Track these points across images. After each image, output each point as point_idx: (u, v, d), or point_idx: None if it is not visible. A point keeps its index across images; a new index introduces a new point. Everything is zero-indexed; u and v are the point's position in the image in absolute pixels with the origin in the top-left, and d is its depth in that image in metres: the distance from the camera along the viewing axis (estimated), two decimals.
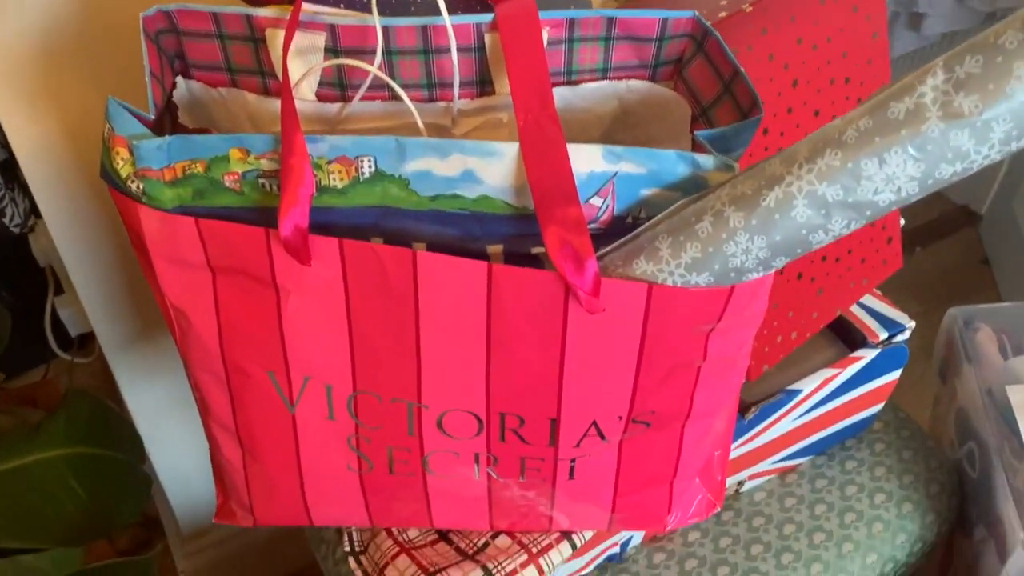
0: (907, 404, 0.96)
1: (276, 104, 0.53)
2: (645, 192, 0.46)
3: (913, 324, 0.81)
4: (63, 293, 1.15)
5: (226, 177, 0.47)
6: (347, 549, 0.63)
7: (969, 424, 0.88)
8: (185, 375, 0.57)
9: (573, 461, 0.55)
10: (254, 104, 0.53)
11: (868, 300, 0.82)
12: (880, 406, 0.88)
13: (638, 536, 0.79)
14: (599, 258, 0.46)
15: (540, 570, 0.61)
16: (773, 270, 0.44)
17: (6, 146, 0.83)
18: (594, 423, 0.52)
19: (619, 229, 0.47)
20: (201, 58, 0.53)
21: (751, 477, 0.84)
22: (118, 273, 0.81)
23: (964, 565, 0.91)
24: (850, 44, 0.65)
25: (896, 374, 0.84)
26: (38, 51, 0.65)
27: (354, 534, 0.64)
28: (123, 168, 0.47)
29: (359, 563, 0.63)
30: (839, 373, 0.78)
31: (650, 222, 0.45)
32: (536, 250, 0.49)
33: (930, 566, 1.03)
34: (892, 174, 0.39)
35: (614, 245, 0.46)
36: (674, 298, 0.45)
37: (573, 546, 0.63)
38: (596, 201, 0.47)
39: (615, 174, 0.46)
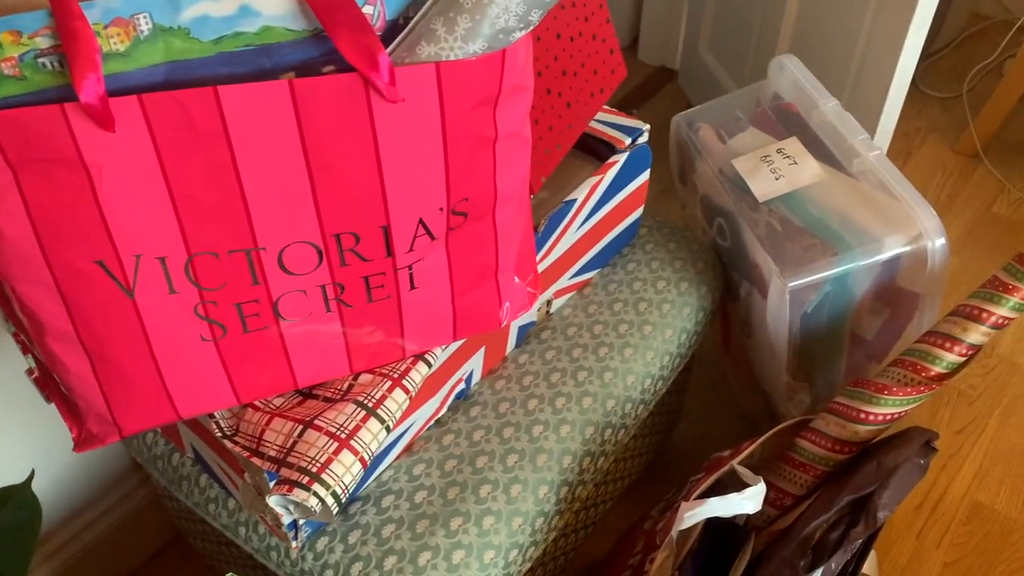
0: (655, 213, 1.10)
1: None
2: None
3: (648, 126, 0.93)
4: None
5: (3, 64, 0.47)
6: (219, 435, 0.65)
7: (712, 204, 1.03)
8: None
9: (411, 268, 0.60)
10: None
11: (606, 117, 0.94)
12: (640, 210, 1.01)
13: (478, 371, 0.86)
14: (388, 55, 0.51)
15: (405, 390, 0.67)
16: (532, 26, 0.52)
17: None
18: (420, 221, 0.57)
19: (393, 32, 0.53)
20: None
21: (556, 295, 0.93)
22: None
23: (739, 323, 1.07)
24: None
25: (646, 173, 0.97)
26: None
27: (221, 422, 0.66)
28: None
29: (235, 443, 0.65)
30: (602, 178, 0.89)
31: (421, 11, 0.51)
32: (327, 69, 0.53)
33: (713, 332, 1.20)
34: None
35: (396, 41, 0.52)
36: (460, 70, 0.51)
37: (428, 364, 0.69)
38: (367, 9, 0.52)
39: None
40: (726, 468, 0.81)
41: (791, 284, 0.87)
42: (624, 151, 0.91)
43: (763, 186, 0.95)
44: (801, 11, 1.42)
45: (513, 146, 0.59)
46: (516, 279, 0.70)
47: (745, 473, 0.79)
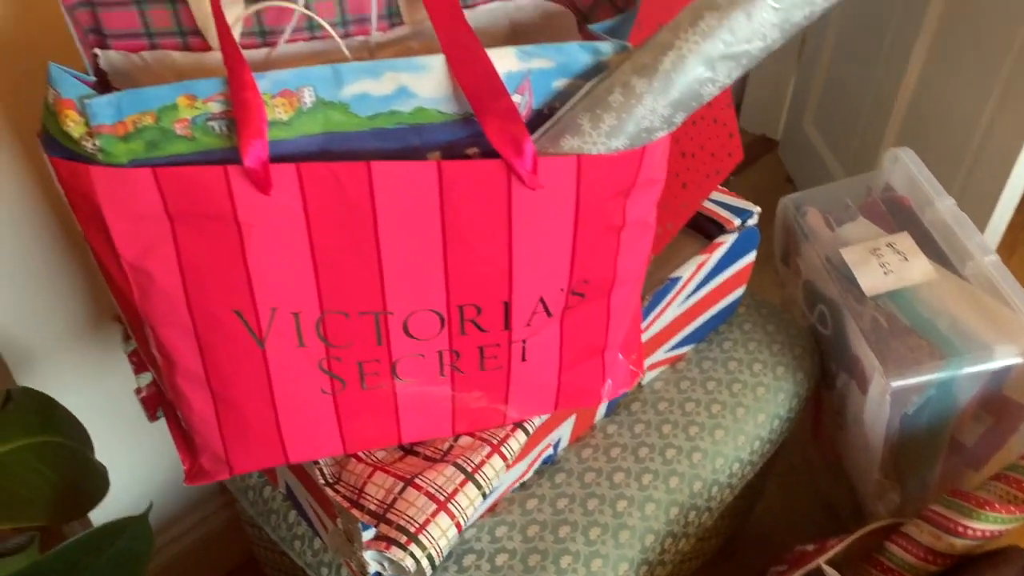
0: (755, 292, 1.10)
1: (203, 58, 0.56)
2: (557, 84, 0.54)
3: (759, 209, 0.94)
4: None
5: (176, 125, 0.51)
6: (321, 482, 0.67)
7: (816, 290, 1.03)
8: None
9: (525, 342, 0.62)
10: (181, 61, 0.56)
11: (717, 196, 0.95)
12: (743, 289, 1.00)
13: (565, 438, 0.87)
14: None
15: (503, 457, 0.68)
16: (674, 127, 0.53)
17: None
18: (541, 299, 0.59)
19: (539, 121, 0.55)
20: (119, 27, 0.56)
21: (649, 368, 0.94)
22: (19, 291, 0.80)
23: (833, 413, 1.05)
24: None
25: (752, 255, 0.96)
26: None
27: (324, 468, 0.68)
28: (75, 129, 0.49)
29: (336, 491, 0.66)
30: (708, 258, 0.90)
31: (567, 105, 0.53)
32: (471, 151, 0.55)
33: (804, 419, 1.18)
34: (759, 25, 0.48)
35: (540, 130, 0.54)
36: (599, 164, 0.53)
37: (527, 432, 0.70)
38: (516, 98, 0.54)
39: (529, 71, 0.53)
40: (812, 566, 0.80)
41: (894, 384, 0.85)
42: (733, 232, 0.91)
43: (871, 280, 0.94)
44: (915, 98, 1.41)
45: (638, 233, 0.60)
46: (621, 356, 0.71)
47: (832, 574, 0.78)
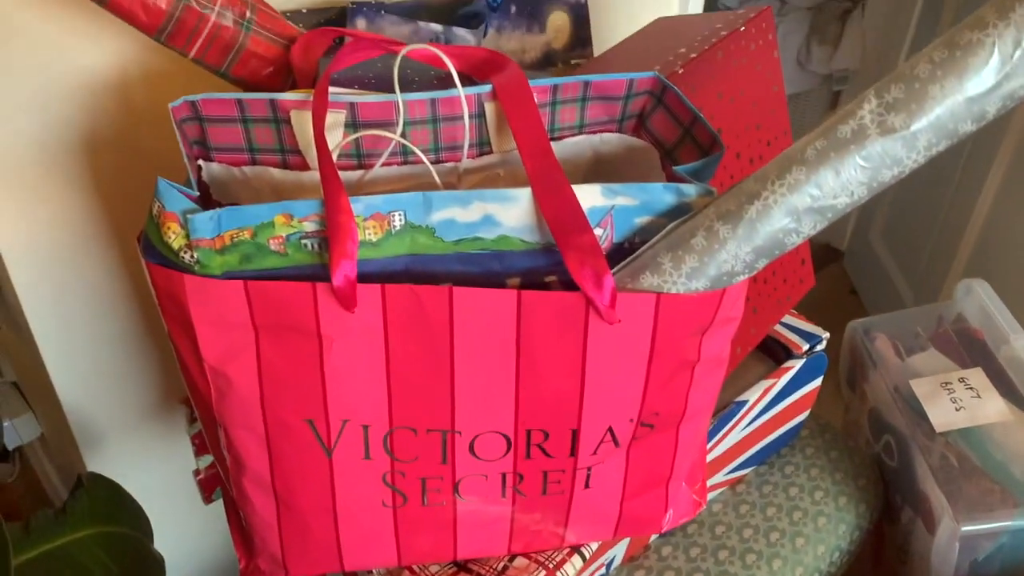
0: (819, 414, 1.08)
1: (301, 176, 0.59)
2: (639, 220, 0.55)
3: (828, 335, 0.93)
4: None
5: (271, 241, 0.53)
6: None
7: (882, 419, 1.00)
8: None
9: (589, 470, 0.61)
10: (279, 178, 0.59)
11: (786, 319, 0.94)
12: (807, 413, 0.98)
13: (619, 557, 0.85)
14: None
15: None
16: (755, 271, 0.53)
17: None
18: (610, 429, 0.59)
19: (619, 254, 0.56)
20: (223, 141, 0.58)
21: (708, 489, 0.92)
22: (97, 369, 0.82)
23: (895, 547, 1.01)
24: (757, 96, 0.77)
25: (819, 381, 0.95)
26: (31, 154, 0.68)
27: None
28: (175, 241, 0.52)
29: None
30: (775, 383, 0.89)
31: (649, 243, 0.54)
32: (549, 279, 0.56)
33: (864, 553, 1.14)
34: (846, 182, 0.49)
35: (620, 265, 0.54)
36: (678, 304, 0.53)
37: (583, 558, 0.69)
38: (598, 231, 0.55)
39: (613, 207, 0.54)
40: None
41: (964, 529, 0.82)
42: (800, 357, 0.90)
43: (942, 415, 0.92)
44: (988, 226, 1.39)
45: (711, 368, 0.60)
46: (684, 486, 0.70)
47: None
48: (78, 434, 0.85)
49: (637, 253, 0.54)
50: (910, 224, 1.64)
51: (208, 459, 0.96)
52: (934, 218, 1.54)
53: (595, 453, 0.60)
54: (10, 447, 1.09)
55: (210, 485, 0.98)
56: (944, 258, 1.51)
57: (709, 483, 0.91)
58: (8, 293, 0.78)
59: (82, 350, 0.80)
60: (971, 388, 0.93)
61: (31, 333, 0.77)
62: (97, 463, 0.88)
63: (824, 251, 1.99)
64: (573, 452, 0.60)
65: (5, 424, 1.09)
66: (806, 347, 0.91)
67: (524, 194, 0.53)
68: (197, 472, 0.98)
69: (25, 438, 1.11)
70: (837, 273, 1.92)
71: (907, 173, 0.49)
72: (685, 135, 0.60)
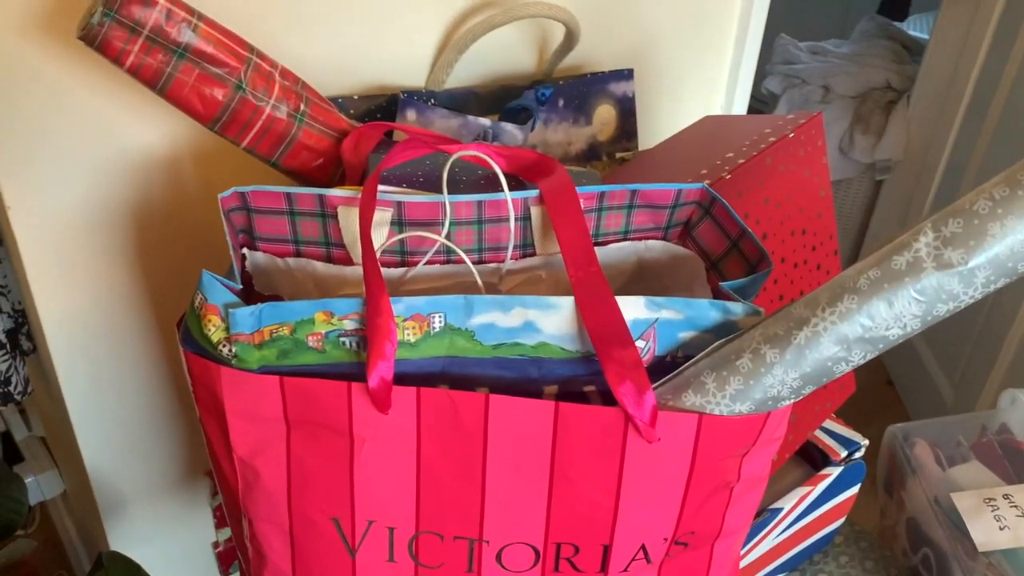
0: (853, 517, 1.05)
1: (344, 270, 0.59)
2: (683, 335, 0.54)
3: (867, 442, 0.90)
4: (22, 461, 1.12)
5: (310, 338, 0.52)
6: None
7: (921, 531, 0.97)
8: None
9: None
10: (322, 271, 0.59)
11: (825, 423, 0.92)
12: (843, 520, 0.95)
13: None
14: None
15: None
16: (801, 397, 0.52)
17: (12, 315, 0.84)
18: (643, 546, 0.57)
19: (660, 368, 0.55)
20: (269, 232, 0.59)
21: None
22: (124, 435, 0.82)
23: None
24: (804, 201, 0.76)
25: (856, 488, 0.92)
26: (78, 226, 0.69)
27: None
28: (215, 334, 0.51)
29: None
30: (812, 490, 0.86)
31: (692, 360, 0.53)
32: (587, 389, 0.55)
33: None
34: (899, 314, 0.48)
35: (662, 381, 0.53)
36: (720, 426, 0.52)
37: None
38: (640, 344, 0.54)
39: (656, 320, 0.53)
40: None
41: None
42: (839, 464, 0.88)
43: (985, 534, 0.88)
44: None
45: (750, 488, 0.58)
46: None
47: None
48: (99, 498, 0.84)
49: (680, 369, 0.53)
50: (951, 319, 1.61)
51: (227, 532, 0.94)
52: (977, 315, 1.52)
53: (626, 570, 0.58)
54: (33, 502, 1.09)
55: (228, 559, 0.97)
56: (986, 359, 1.47)
57: None
58: (44, 354, 0.78)
59: (111, 416, 0.80)
60: (1016, 506, 0.90)
61: (62, 397, 0.77)
62: (116, 527, 0.87)
63: None
64: (604, 568, 0.58)
65: (29, 479, 1.09)
66: (844, 454, 0.88)
67: (567, 303, 0.53)
68: (216, 544, 0.97)
69: (48, 494, 1.11)
70: (874, 363, 1.89)
71: (962, 308, 0.48)
72: (732, 247, 0.59)
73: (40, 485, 1.08)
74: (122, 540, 0.88)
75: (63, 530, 1.22)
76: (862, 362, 0.50)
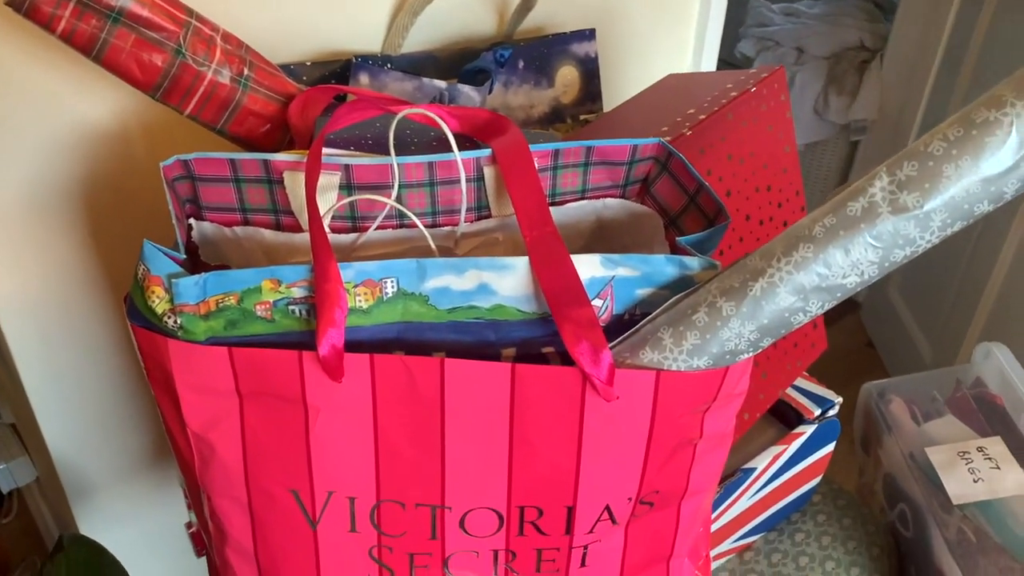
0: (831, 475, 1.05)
1: (293, 238, 0.57)
2: (640, 292, 0.53)
3: (840, 400, 0.90)
4: None
5: (258, 307, 0.51)
6: None
7: (897, 487, 0.97)
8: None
9: (585, 548, 0.58)
10: (271, 239, 0.57)
11: (798, 381, 0.91)
12: (819, 479, 0.95)
13: None
14: None
15: None
16: (760, 350, 0.51)
17: None
18: (607, 507, 0.56)
19: (618, 326, 0.54)
20: (215, 200, 0.57)
21: (714, 558, 0.89)
22: (86, 419, 0.81)
23: None
24: (768, 157, 0.75)
25: (831, 446, 0.92)
26: (24, 204, 0.67)
27: None
28: (159, 306, 0.50)
29: None
30: (785, 449, 0.86)
31: (649, 317, 0.52)
32: (546, 350, 0.54)
33: None
34: (856, 261, 0.47)
35: (619, 339, 0.52)
36: (679, 381, 0.51)
37: None
38: (597, 303, 0.53)
39: (612, 278, 0.52)
40: None
41: None
42: (812, 422, 0.87)
43: (959, 486, 0.88)
44: (1007, 284, 1.36)
45: (714, 444, 0.58)
46: (687, 562, 0.67)
47: None
48: (66, 483, 0.83)
49: (637, 327, 0.52)
50: (929, 280, 1.61)
51: None
52: (953, 275, 1.51)
53: (592, 531, 0.57)
54: (5, 490, 1.08)
55: (201, 539, 0.96)
56: (963, 316, 1.47)
57: (716, 551, 0.87)
58: (1, 339, 0.77)
59: (72, 399, 0.78)
60: (990, 458, 0.90)
61: (21, 381, 0.76)
62: (86, 512, 0.86)
63: (841, 304, 1.96)
64: (568, 530, 0.57)
65: (1, 467, 1.07)
66: (818, 412, 0.88)
67: (522, 263, 0.52)
68: (189, 525, 0.96)
69: (20, 481, 1.10)
70: (854, 326, 1.89)
71: (920, 253, 0.47)
72: (690, 203, 0.58)
73: (12, 472, 1.07)
74: (92, 523, 0.87)
75: (39, 516, 1.21)
76: (820, 312, 0.49)
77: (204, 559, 1.01)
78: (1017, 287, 1.34)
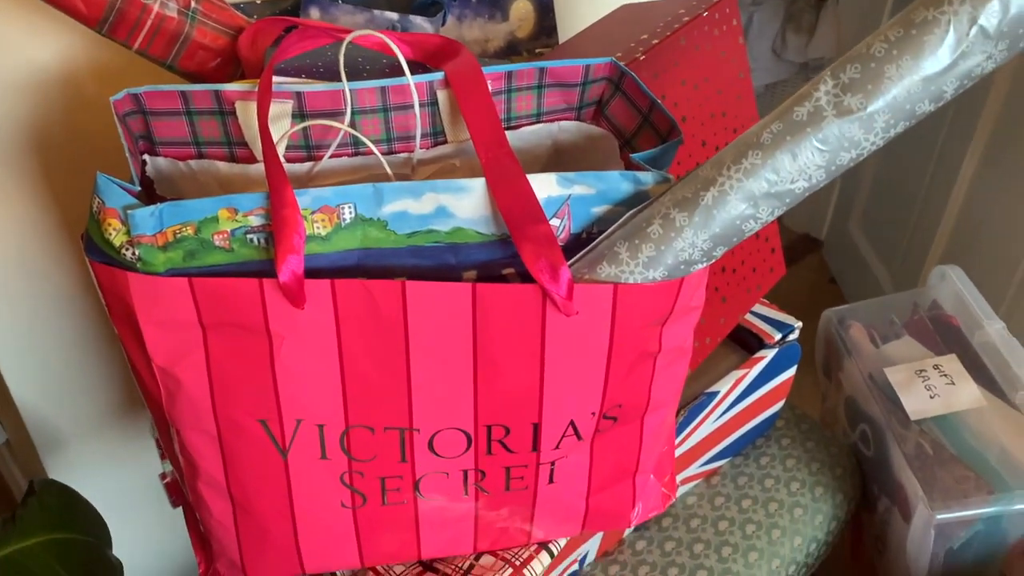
0: (796, 404, 1.07)
1: (248, 169, 0.57)
2: (596, 209, 0.54)
3: (800, 324, 0.92)
4: None
5: (216, 236, 0.51)
6: None
7: (858, 408, 0.99)
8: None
9: (553, 464, 0.60)
10: (226, 171, 0.57)
11: (758, 308, 0.93)
12: (782, 403, 0.98)
13: (592, 552, 0.84)
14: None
15: None
16: (714, 260, 0.52)
17: None
18: (571, 422, 0.57)
19: (576, 245, 0.54)
20: (168, 135, 0.57)
21: (682, 482, 0.91)
22: (54, 370, 0.80)
23: (872, 536, 1.01)
24: (722, 83, 0.76)
25: (792, 370, 0.94)
26: None
27: None
28: (116, 238, 0.50)
29: None
30: (747, 373, 0.88)
31: (606, 232, 0.53)
32: (506, 271, 0.55)
33: (842, 543, 1.13)
34: (804, 165, 0.48)
35: (578, 256, 0.53)
36: (636, 294, 0.52)
37: (551, 554, 0.68)
38: (555, 222, 0.54)
39: (569, 196, 0.53)
40: None
41: (939, 517, 0.81)
42: (773, 347, 0.89)
43: (916, 403, 0.91)
44: (964, 210, 1.39)
45: (674, 358, 0.59)
46: (652, 478, 0.68)
47: None
48: (37, 439, 0.83)
49: (594, 243, 0.53)
50: (888, 212, 1.64)
51: None
52: (911, 206, 1.54)
53: (558, 447, 0.59)
54: None
55: (177, 489, 0.96)
56: (922, 245, 1.50)
57: (683, 475, 0.90)
58: None
59: (37, 353, 0.78)
60: (945, 375, 0.93)
61: None
62: (59, 468, 0.86)
63: (804, 241, 1.99)
64: (535, 447, 0.58)
65: None
66: (778, 336, 0.90)
67: (478, 184, 0.52)
68: (163, 476, 0.96)
69: None
70: (817, 263, 1.91)
71: (865, 155, 0.48)
72: (644, 122, 0.59)
73: None
74: (64, 478, 0.87)
75: (11, 479, 1.20)
76: (771, 219, 0.50)
77: (179, 509, 1.01)
78: (972, 213, 1.36)
